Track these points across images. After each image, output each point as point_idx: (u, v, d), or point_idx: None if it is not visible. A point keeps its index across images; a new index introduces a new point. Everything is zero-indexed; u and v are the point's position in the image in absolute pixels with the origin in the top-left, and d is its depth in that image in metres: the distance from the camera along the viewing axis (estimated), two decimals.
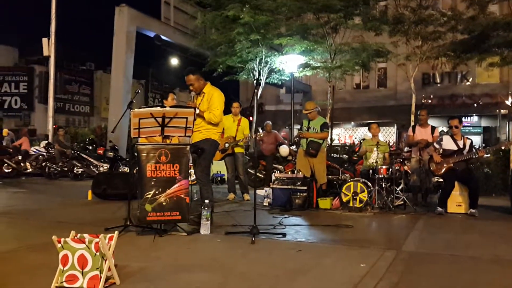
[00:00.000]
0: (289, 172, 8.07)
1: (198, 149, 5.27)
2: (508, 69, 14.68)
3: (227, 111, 7.17)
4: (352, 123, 25.23)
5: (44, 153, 13.24)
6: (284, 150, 10.45)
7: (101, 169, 12.10)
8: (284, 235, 4.83)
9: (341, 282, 3.21)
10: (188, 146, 4.97)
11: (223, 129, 7.63)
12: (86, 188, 8.17)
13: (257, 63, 13.62)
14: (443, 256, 4.14)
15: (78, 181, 11.88)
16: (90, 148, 14.48)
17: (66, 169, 12.62)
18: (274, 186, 7.32)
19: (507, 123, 21.62)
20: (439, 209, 6.71)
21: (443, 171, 6.82)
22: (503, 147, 9.92)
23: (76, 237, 2.92)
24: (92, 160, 12.76)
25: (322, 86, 16.04)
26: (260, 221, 5.05)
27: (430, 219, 6.36)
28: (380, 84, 25.21)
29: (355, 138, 21.30)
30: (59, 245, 2.84)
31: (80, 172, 12.60)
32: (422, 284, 3.28)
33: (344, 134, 24.70)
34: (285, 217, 6.11)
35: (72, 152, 12.86)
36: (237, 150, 8.19)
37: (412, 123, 11.53)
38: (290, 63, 13.40)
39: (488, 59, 12.93)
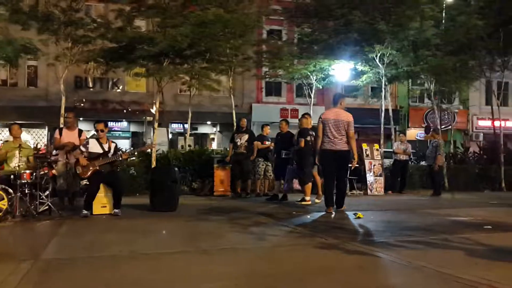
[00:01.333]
0: None
1: None
2: (153, 80, 16.23)
3: None
4: None
5: None
6: None
7: None
8: None
9: None
10: None
11: None
12: None
13: None
14: (83, 258, 4.19)
15: None
16: None
17: None
18: None
19: (152, 128, 24.07)
20: (84, 211, 6.77)
21: (89, 174, 6.95)
22: (146, 150, 11.02)
23: None
24: None
25: None
26: None
27: (75, 223, 6.34)
28: (30, 83, 23.41)
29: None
30: None
31: None
32: None
33: None
34: None
35: None
36: None
37: (61, 126, 11.23)
38: None
39: (135, 69, 13.98)
